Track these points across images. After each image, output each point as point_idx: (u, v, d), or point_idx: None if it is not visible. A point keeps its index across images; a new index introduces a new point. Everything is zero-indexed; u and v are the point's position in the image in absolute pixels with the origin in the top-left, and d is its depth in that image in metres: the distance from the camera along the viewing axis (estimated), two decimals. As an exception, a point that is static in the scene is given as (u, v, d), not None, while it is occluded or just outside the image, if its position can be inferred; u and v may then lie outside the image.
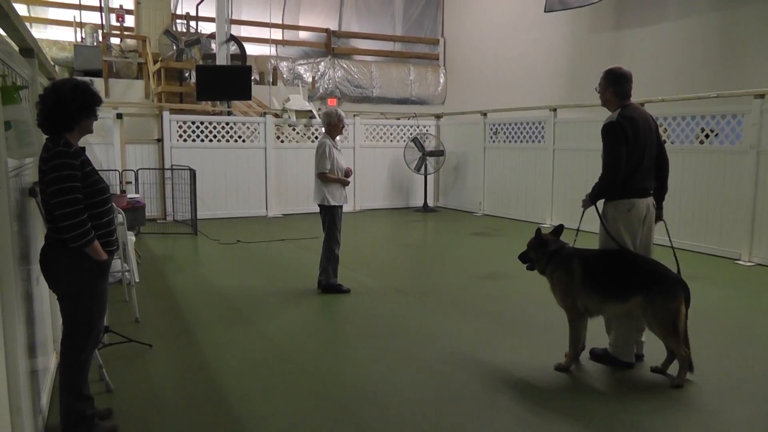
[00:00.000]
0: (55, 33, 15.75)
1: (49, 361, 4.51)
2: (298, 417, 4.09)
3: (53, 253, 3.50)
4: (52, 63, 13.08)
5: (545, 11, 14.85)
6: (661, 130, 9.86)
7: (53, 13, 16.00)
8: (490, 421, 3.99)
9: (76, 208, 3.38)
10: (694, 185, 9.64)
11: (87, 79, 3.93)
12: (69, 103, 3.45)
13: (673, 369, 4.69)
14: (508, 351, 5.35)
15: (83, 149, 3.58)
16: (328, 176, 7.04)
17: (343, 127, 7.35)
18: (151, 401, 4.30)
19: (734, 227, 9.11)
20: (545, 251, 4.98)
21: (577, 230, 5.20)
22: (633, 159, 4.81)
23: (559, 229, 5.12)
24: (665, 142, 9.97)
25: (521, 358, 5.15)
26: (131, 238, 7.54)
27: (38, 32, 15.48)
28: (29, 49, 4.31)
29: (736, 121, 9.16)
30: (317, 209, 7.30)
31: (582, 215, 5.14)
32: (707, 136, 9.52)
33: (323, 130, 7.37)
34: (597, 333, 5.12)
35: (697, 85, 11.69)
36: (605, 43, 14.53)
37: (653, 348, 4.97)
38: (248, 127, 13.89)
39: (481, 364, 5.03)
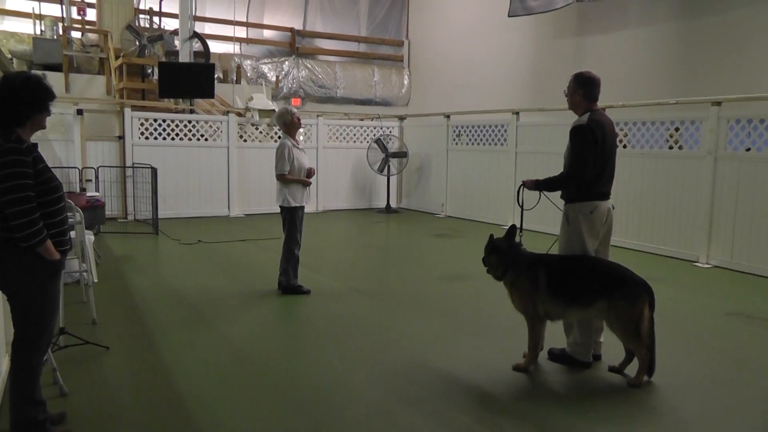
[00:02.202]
0: (13, 25, 15.39)
1: (0, 364, 4.40)
2: (255, 419, 4.04)
3: (3, 252, 3.40)
4: (9, 56, 12.82)
5: (509, 16, 14.96)
6: (621, 135, 10.10)
7: (11, 4, 15.65)
8: (447, 423, 3.99)
9: (27, 207, 3.29)
10: (654, 189, 9.81)
11: (40, 72, 3.83)
12: (20, 98, 3.35)
13: (630, 369, 4.76)
14: (467, 351, 5.37)
15: (35, 146, 3.49)
16: (287, 177, 6.98)
17: (299, 120, 7.26)
18: (107, 405, 4.21)
19: (692, 230, 9.28)
20: (504, 258, 4.98)
21: (521, 226, 5.25)
22: (599, 163, 4.86)
23: (512, 230, 5.12)
24: (625, 147, 10.15)
25: (481, 359, 5.17)
26: (90, 237, 7.40)
27: (-5, 23, 15.15)
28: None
29: (695, 127, 9.34)
30: (279, 210, 7.24)
31: (520, 197, 5.18)
32: (677, 129, 9.65)
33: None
34: (555, 333, 5.16)
35: (658, 91, 11.90)
36: (568, 49, 14.70)
37: (611, 347, 5.03)
38: (211, 126, 13.76)
39: (440, 365, 5.03)
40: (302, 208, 7.16)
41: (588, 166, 4.81)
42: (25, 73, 3.46)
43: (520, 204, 5.23)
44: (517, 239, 5.09)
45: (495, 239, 5.07)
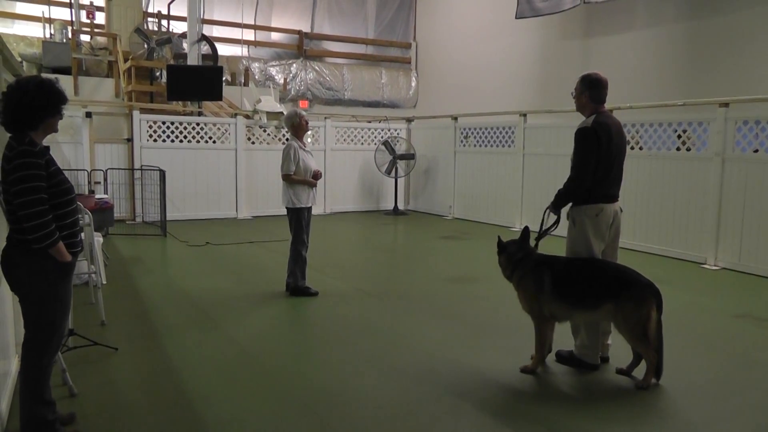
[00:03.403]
0: (23, 28, 15.47)
1: (11, 365, 4.44)
2: (263, 420, 4.07)
3: (15, 254, 3.44)
4: (19, 59, 12.90)
5: (516, 17, 14.98)
6: (629, 136, 10.08)
7: (21, 8, 15.72)
8: (454, 425, 4.00)
9: (40, 209, 3.33)
10: (662, 191, 9.79)
11: (53, 76, 3.85)
12: (33, 102, 3.38)
13: (638, 371, 4.76)
14: (475, 353, 5.38)
15: (48, 148, 3.53)
16: (293, 178, 7.02)
17: (307, 123, 7.30)
18: (115, 405, 4.25)
19: (700, 232, 9.26)
20: (511, 258, 4.99)
21: (538, 238, 5.18)
22: (604, 166, 4.84)
23: (525, 232, 5.14)
24: (633, 148, 10.12)
25: (488, 361, 5.17)
26: (99, 239, 7.44)
27: (5, 27, 15.21)
28: (-7, 45, 4.23)
29: (702, 129, 9.32)
30: (286, 211, 7.27)
31: (543, 222, 5.13)
32: (684, 133, 9.64)
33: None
34: (563, 335, 5.16)
35: (665, 92, 11.88)
36: (575, 50, 14.69)
37: (619, 349, 5.03)
38: (219, 128, 13.80)
39: (448, 366, 5.04)
40: (309, 209, 7.19)
41: (589, 169, 4.80)
42: (38, 77, 3.49)
43: (545, 228, 5.13)
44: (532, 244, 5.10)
45: (505, 241, 5.09)
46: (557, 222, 5.05)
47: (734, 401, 4.47)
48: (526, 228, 5.15)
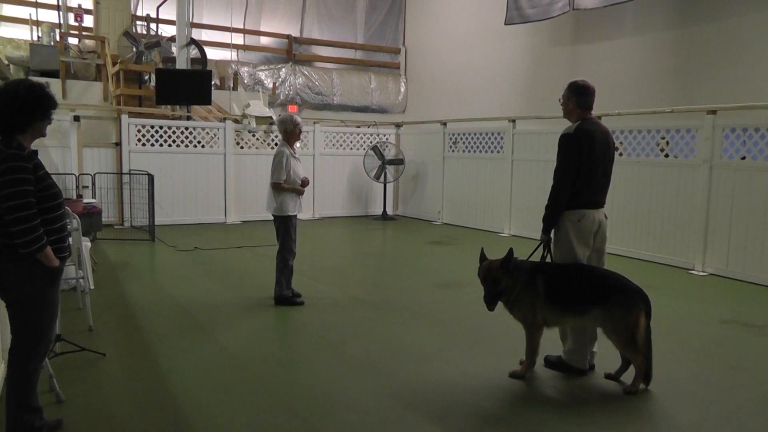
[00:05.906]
0: (10, 31, 15.38)
1: (-3, 370, 4.40)
2: (252, 425, 4.05)
3: (2, 259, 3.41)
4: (6, 62, 12.82)
5: (505, 24, 15.07)
6: (617, 143, 10.12)
7: (8, 10, 15.64)
8: (444, 429, 4.00)
9: (28, 213, 3.31)
10: (650, 197, 9.85)
11: (43, 80, 3.82)
12: (23, 105, 3.37)
13: (627, 376, 4.78)
14: (463, 358, 5.38)
15: (36, 152, 3.51)
16: (283, 186, 6.95)
17: (300, 132, 7.22)
18: (103, 412, 4.21)
19: (688, 238, 9.31)
20: (511, 270, 4.85)
21: (540, 253, 5.16)
22: (587, 172, 4.84)
23: (509, 254, 4.97)
24: (621, 155, 10.18)
25: (477, 366, 5.18)
26: (86, 244, 7.39)
27: (-9, 29, 15.16)
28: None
29: (690, 136, 9.38)
30: (273, 219, 7.19)
31: (545, 252, 5.09)
32: (663, 139, 9.73)
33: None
34: (551, 340, 5.17)
35: (653, 100, 11.96)
36: (564, 57, 14.76)
37: (607, 355, 5.04)
38: (208, 133, 13.76)
39: (436, 371, 5.05)
40: (295, 216, 7.12)
41: (570, 175, 4.81)
42: (28, 81, 3.47)
43: (544, 255, 5.12)
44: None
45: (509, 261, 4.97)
46: (548, 244, 5.04)
47: (721, 406, 4.49)
48: (511, 250, 5.06)
